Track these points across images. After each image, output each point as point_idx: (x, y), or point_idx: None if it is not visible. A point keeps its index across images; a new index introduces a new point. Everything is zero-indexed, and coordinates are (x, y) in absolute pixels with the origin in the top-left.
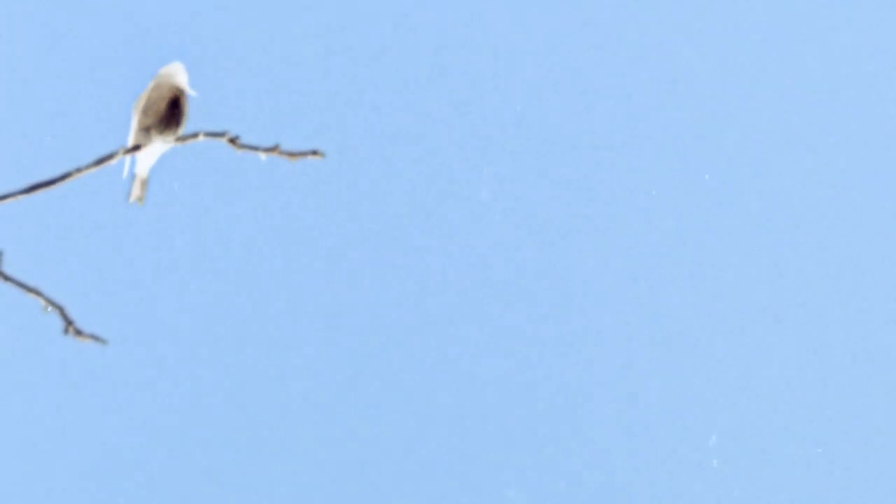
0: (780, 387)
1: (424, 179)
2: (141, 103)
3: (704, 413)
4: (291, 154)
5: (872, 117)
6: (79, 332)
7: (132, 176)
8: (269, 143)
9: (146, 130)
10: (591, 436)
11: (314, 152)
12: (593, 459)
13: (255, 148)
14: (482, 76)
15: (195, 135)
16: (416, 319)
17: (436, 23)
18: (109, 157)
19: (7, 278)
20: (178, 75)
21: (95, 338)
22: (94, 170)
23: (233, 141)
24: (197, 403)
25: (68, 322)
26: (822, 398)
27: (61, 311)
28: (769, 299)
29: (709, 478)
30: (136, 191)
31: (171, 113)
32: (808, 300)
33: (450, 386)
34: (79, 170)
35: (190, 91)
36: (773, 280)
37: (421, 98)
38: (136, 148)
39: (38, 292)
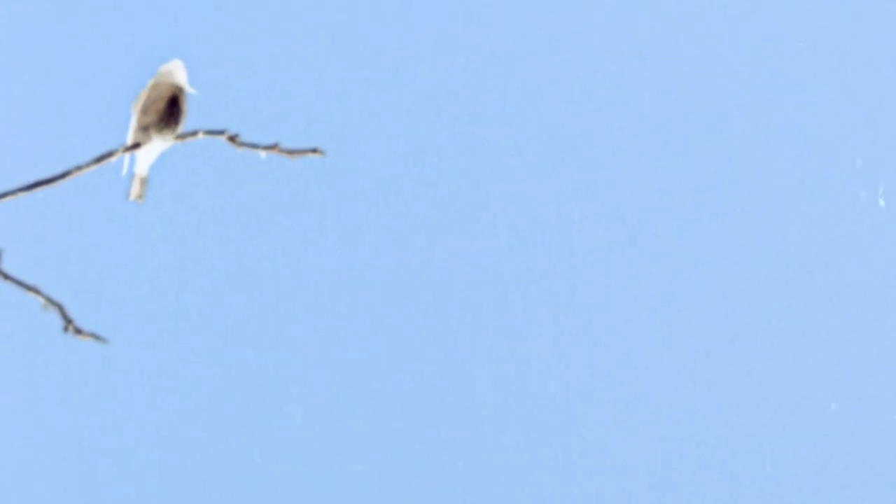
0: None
1: (424, 178)
2: (140, 102)
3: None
4: (291, 152)
5: (872, 117)
6: (78, 331)
7: (132, 174)
8: (269, 141)
9: (145, 129)
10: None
11: (314, 150)
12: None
13: (254, 146)
14: (482, 76)
15: (195, 133)
16: (416, 318)
17: (436, 22)
18: (109, 155)
19: (7, 277)
20: (177, 73)
21: (95, 336)
22: (93, 168)
23: (232, 139)
24: (197, 403)
25: (68, 321)
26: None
27: (61, 309)
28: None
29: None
30: (135, 189)
31: (170, 111)
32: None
33: (450, 386)
34: (78, 168)
35: (189, 89)
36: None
37: (421, 97)
38: (136, 146)
39: (37, 291)
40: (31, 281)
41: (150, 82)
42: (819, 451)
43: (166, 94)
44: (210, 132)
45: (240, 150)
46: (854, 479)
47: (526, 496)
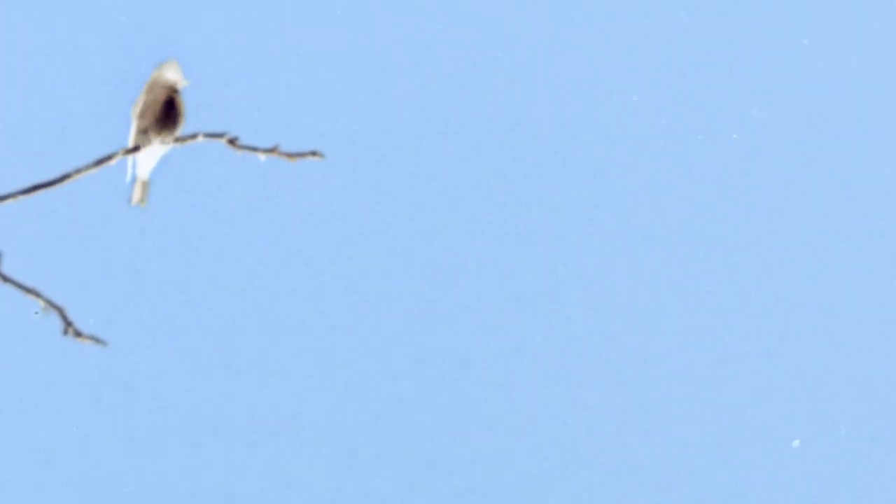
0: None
1: (425, 180)
2: (137, 107)
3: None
4: (290, 155)
5: (872, 118)
6: (78, 334)
7: (133, 179)
8: (269, 144)
9: (144, 132)
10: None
11: (314, 153)
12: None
13: (254, 149)
14: (483, 76)
15: (194, 136)
16: (416, 320)
17: (436, 22)
18: (109, 157)
19: (7, 279)
20: (170, 70)
21: (95, 339)
22: (93, 170)
23: (232, 142)
24: (197, 404)
25: (68, 323)
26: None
27: (61, 312)
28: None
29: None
30: (137, 193)
31: (167, 113)
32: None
33: (450, 387)
34: (79, 170)
35: (184, 81)
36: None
37: (421, 98)
38: (136, 149)
39: (37, 293)
40: (31, 284)
41: (146, 86)
42: (817, 453)
43: (161, 97)
44: (210, 135)
45: (239, 153)
46: (853, 480)
47: (525, 496)
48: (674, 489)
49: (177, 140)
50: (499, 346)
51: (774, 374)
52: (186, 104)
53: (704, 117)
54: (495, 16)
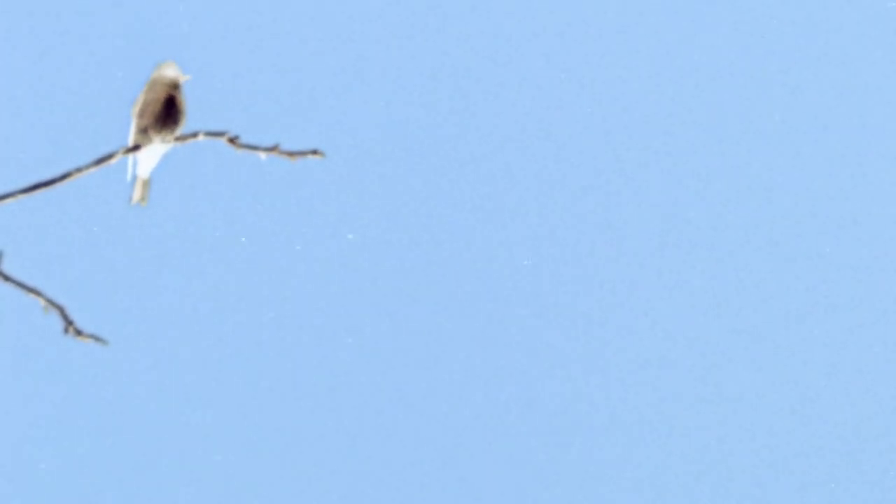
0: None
1: (425, 179)
2: (137, 105)
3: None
4: (291, 153)
5: (872, 118)
6: (79, 333)
7: (134, 178)
8: (269, 143)
9: (144, 131)
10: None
11: (314, 152)
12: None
13: (254, 147)
14: (482, 76)
15: (195, 134)
16: (416, 320)
17: (436, 22)
18: (109, 156)
19: (7, 278)
20: (169, 69)
21: (96, 338)
22: (94, 170)
23: (232, 140)
24: (197, 404)
25: (68, 322)
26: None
27: (61, 311)
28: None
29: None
30: (137, 193)
31: (167, 112)
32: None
33: (450, 388)
34: (79, 170)
35: (183, 77)
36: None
37: (421, 98)
38: (136, 148)
39: (38, 292)
40: (32, 283)
41: (146, 86)
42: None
43: (161, 95)
44: (210, 134)
45: (240, 152)
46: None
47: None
48: (675, 489)
49: (177, 139)
50: (498, 346)
51: (777, 375)
52: (187, 102)
53: (703, 117)
54: (495, 15)
